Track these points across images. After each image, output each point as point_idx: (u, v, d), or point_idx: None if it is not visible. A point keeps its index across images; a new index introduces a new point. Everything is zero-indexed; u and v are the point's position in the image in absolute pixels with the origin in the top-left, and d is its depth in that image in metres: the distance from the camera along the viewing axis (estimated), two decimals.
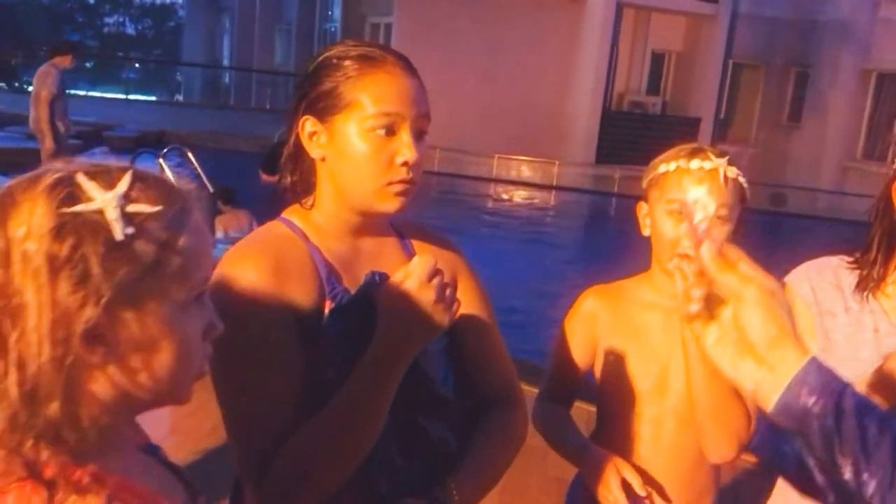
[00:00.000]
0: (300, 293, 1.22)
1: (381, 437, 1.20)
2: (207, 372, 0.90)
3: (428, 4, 16.61)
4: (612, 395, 1.69)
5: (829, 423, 0.83)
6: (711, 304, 0.91)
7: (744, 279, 0.87)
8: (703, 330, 0.92)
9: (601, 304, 1.72)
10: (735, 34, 18.58)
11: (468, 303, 1.37)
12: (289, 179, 1.32)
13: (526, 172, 16.25)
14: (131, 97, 24.10)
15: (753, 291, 0.86)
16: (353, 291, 1.26)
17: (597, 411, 1.76)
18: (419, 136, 1.26)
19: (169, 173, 7.57)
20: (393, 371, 1.18)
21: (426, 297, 1.15)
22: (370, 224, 1.33)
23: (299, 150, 1.30)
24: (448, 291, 1.17)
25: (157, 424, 1.00)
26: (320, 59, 1.29)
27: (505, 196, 14.96)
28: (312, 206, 1.31)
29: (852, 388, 0.86)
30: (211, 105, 22.85)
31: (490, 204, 14.34)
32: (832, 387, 0.85)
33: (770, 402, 0.86)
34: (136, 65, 37.63)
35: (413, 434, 1.29)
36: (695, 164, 1.54)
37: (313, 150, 1.27)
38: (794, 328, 0.88)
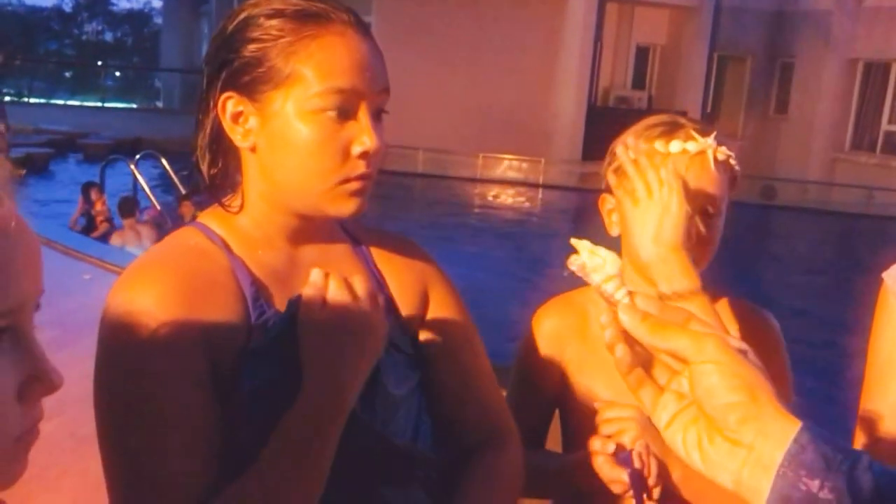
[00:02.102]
0: (218, 322, 0.92)
1: None
2: (35, 437, 0.62)
3: (408, 2, 16.34)
4: (579, 435, 1.30)
5: None
6: (659, 370, 0.69)
7: (695, 337, 0.65)
8: (653, 407, 0.68)
9: (562, 322, 1.35)
10: (719, 26, 18.37)
11: (444, 323, 1.09)
12: (207, 172, 1.02)
13: (512, 171, 16.00)
14: (108, 105, 23.75)
15: (711, 348, 0.64)
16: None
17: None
18: (377, 116, 0.98)
19: (141, 180, 7.26)
20: (333, 407, 0.89)
21: (341, 296, 0.91)
22: (314, 228, 1.05)
23: (219, 135, 1.00)
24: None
25: None
26: (242, 16, 0.98)
27: (491, 196, 14.69)
28: (241, 208, 1.02)
29: (867, 455, 0.59)
30: (189, 111, 22.36)
31: (476, 204, 14.08)
32: (839, 460, 0.58)
33: (761, 497, 0.60)
34: (117, 73, 37.17)
35: None
36: (675, 146, 1.19)
37: (238, 136, 0.98)
38: (772, 388, 0.63)
